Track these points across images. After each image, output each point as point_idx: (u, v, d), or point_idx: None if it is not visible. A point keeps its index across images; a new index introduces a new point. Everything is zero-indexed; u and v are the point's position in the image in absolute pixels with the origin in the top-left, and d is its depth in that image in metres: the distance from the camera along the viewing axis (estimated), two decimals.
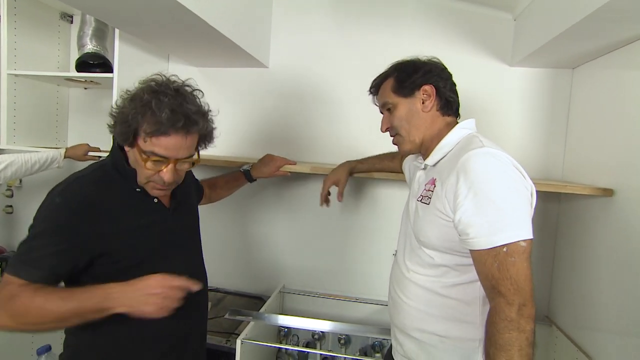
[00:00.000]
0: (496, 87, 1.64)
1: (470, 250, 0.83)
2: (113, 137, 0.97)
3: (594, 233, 1.35)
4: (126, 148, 0.95)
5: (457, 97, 1.03)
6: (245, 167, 1.54)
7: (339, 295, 1.82)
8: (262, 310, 1.58)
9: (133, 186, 0.97)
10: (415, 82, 0.98)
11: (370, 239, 1.80)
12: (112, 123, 0.94)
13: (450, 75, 1.03)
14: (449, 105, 1.00)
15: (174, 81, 0.95)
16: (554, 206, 1.63)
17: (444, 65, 1.03)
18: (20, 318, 0.82)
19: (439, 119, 0.99)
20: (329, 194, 1.42)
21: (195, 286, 0.90)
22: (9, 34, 1.72)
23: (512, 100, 1.63)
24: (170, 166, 0.93)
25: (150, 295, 0.84)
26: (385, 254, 1.73)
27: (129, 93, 0.94)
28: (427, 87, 0.98)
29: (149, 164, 0.91)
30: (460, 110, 1.05)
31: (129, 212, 0.96)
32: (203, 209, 1.34)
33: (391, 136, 1.06)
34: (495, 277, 0.78)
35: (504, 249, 0.76)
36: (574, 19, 1.10)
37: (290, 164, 1.51)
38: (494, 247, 0.77)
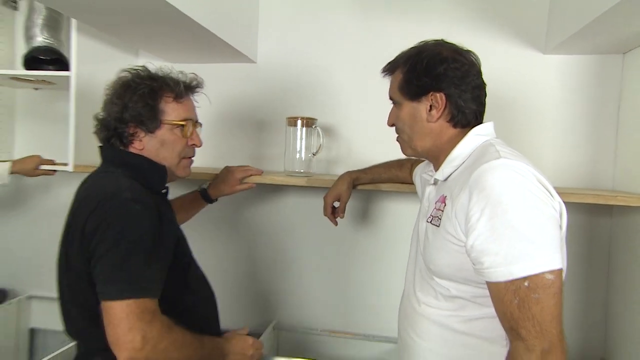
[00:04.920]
0: (527, 80, 1.41)
1: (487, 283, 0.74)
2: (118, 148, 0.95)
3: None
4: (141, 141, 0.94)
5: (483, 105, 0.88)
6: (203, 185, 1.31)
7: (344, 332, 1.60)
8: None
9: (159, 188, 0.99)
10: (424, 86, 0.86)
11: (379, 264, 1.57)
12: (112, 121, 0.93)
13: (478, 78, 0.86)
14: (465, 117, 0.86)
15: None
16: (605, 221, 1.39)
17: (473, 64, 0.86)
18: (172, 353, 0.80)
19: (449, 130, 0.87)
20: (333, 209, 1.26)
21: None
22: None
23: (547, 95, 1.41)
24: (197, 128, 1.03)
25: (248, 357, 1.01)
26: (397, 282, 1.48)
27: (119, 88, 0.95)
28: (436, 95, 0.85)
29: (189, 130, 0.99)
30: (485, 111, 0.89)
31: (171, 216, 0.99)
32: None
33: (396, 133, 0.97)
34: (514, 317, 0.69)
35: (525, 283, 0.68)
36: None
37: (254, 174, 1.29)
38: (514, 280, 0.68)
